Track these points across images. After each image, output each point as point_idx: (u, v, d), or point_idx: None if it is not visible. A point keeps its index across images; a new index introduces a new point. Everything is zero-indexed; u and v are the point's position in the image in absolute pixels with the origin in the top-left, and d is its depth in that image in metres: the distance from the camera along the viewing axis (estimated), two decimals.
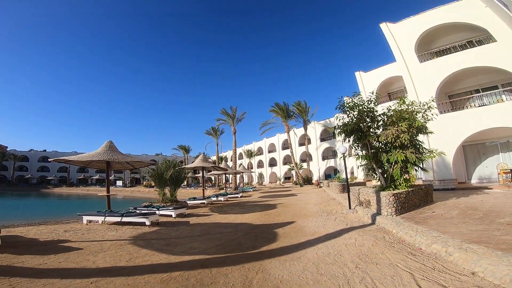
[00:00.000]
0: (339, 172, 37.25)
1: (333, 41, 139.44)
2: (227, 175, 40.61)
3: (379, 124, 7.78)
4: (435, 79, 14.70)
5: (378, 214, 7.16)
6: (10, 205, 24.96)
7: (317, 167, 38.40)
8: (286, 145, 47.53)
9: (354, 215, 8.28)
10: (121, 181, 59.42)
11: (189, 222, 8.64)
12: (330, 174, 40.92)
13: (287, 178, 48.79)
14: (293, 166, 35.02)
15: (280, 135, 50.25)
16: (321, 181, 28.64)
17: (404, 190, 7.10)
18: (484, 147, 14.84)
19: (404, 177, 7.43)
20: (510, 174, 12.49)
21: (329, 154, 41.32)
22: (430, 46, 16.86)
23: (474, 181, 14.81)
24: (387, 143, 7.76)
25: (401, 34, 16.94)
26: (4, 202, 27.51)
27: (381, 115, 8.16)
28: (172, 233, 6.84)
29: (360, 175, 28.65)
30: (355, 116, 8.26)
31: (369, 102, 8.03)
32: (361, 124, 7.95)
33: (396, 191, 6.85)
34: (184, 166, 16.21)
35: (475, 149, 14.83)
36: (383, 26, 17.97)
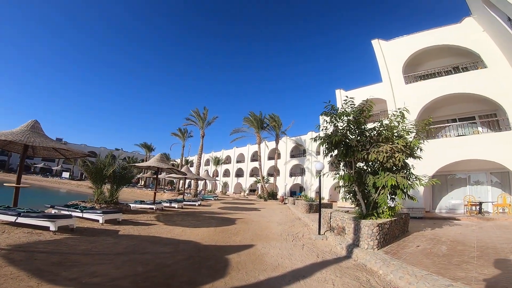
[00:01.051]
0: (304, 190, 36.65)
1: (316, 58, 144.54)
2: (190, 180, 38.01)
3: (368, 139, 6.64)
4: (418, 103, 14.11)
5: (355, 246, 5.86)
6: None
7: (284, 183, 37.48)
8: (255, 157, 46.28)
9: (324, 243, 6.93)
10: (68, 173, 53.15)
11: (118, 232, 6.62)
12: (296, 191, 40.25)
13: (252, 190, 47.22)
14: (260, 179, 33.65)
15: (250, 146, 48.96)
16: (286, 197, 27.49)
17: (388, 219, 5.92)
18: (453, 178, 14.77)
19: (389, 205, 6.28)
20: (477, 207, 12.44)
21: (297, 171, 40.75)
22: (417, 69, 16.50)
23: (438, 211, 14.63)
24: (374, 164, 6.66)
25: (391, 52, 16.35)
26: None
27: (372, 129, 7.04)
28: (80, 246, 4.85)
29: (326, 196, 28.03)
30: (343, 126, 7.05)
31: (361, 112, 6.84)
32: (349, 137, 6.71)
33: (381, 221, 5.64)
34: (134, 164, 13.94)
35: (443, 179, 14.64)
36: (375, 42, 17.33)
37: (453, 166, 13.32)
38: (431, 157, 12.77)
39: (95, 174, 10.33)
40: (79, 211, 7.92)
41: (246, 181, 47.28)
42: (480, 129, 13.95)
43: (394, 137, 6.52)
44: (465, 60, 14.48)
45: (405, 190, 6.15)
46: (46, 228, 5.70)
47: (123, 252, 4.73)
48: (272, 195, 30.74)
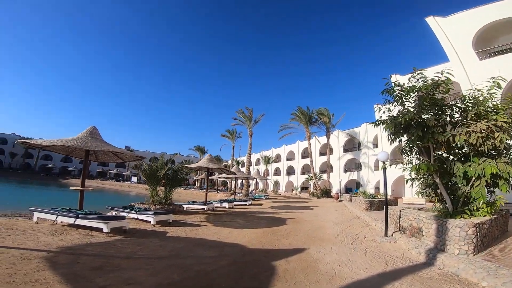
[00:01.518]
0: (361, 186, 33.88)
1: (365, 46, 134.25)
2: (242, 180, 38.65)
3: (449, 119, 5.19)
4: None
5: (439, 251, 4.66)
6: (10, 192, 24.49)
7: (338, 179, 35.23)
8: (305, 153, 44.77)
9: (393, 246, 5.77)
10: (136, 177, 59.36)
11: (166, 234, 6.55)
12: (352, 187, 37.56)
13: (304, 188, 45.76)
14: (312, 176, 32.23)
15: (300, 143, 47.54)
16: (341, 194, 25.63)
17: (486, 218, 4.53)
18: None
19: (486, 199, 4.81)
20: None
21: (352, 166, 37.99)
22: (490, 44, 14.31)
23: None
24: (461, 148, 5.22)
25: (454, 29, 14.57)
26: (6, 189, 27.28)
27: (452, 106, 5.50)
28: (127, 249, 4.77)
29: (388, 191, 25.08)
30: (413, 105, 5.69)
31: (436, 87, 5.35)
32: (423, 116, 5.33)
33: (478, 220, 4.32)
34: (186, 166, 14.35)
35: None
36: (430, 20, 15.49)
37: None
38: None
39: (149, 176, 10.80)
40: (134, 212, 8.21)
41: (298, 179, 46.05)
42: None
43: (489, 112, 4.97)
44: None
45: (510, 181, 4.64)
46: (100, 230, 5.88)
47: (166, 256, 4.48)
48: (326, 193, 29.07)
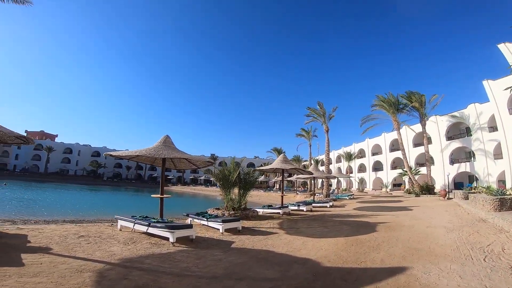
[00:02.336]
0: (477, 179, 26.82)
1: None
2: (322, 180, 36.42)
3: None
4: None
5: None
6: (121, 198, 29.33)
7: (442, 173, 28.93)
8: (395, 146, 38.98)
9: None
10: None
11: (231, 244, 5.96)
12: (463, 182, 30.33)
13: (397, 185, 39.73)
14: (406, 171, 27.45)
15: (386, 134, 41.72)
16: (450, 190, 20.60)
17: None
18: None
19: None
20: None
21: (460, 156, 30.69)
22: None
23: None
24: None
25: None
26: (115, 196, 32.83)
27: None
28: (183, 263, 4.31)
29: None
30: None
31: None
32: None
33: None
34: (258, 168, 13.96)
35: None
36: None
37: None
38: None
39: (222, 180, 10.75)
40: (205, 219, 8.06)
41: (387, 175, 40.36)
42: None
43: None
44: None
45: None
46: (168, 239, 5.75)
47: (219, 275, 3.79)
48: (427, 189, 24.03)
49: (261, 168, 13.67)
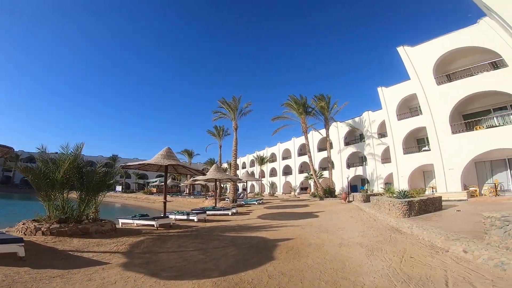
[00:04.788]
0: (368, 182, 29.62)
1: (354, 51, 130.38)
2: (240, 184, 34.16)
3: None
4: (450, 101, 15.34)
5: None
6: None
7: (341, 176, 30.96)
8: (302, 150, 40.51)
9: None
10: (120, 186, 54.40)
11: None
12: (357, 184, 33.28)
13: (304, 188, 41.39)
14: (311, 175, 27.91)
15: (296, 139, 43.25)
16: (350, 193, 21.20)
17: None
18: None
19: None
20: None
21: (355, 160, 33.74)
22: (447, 68, 16.99)
23: None
24: None
25: (418, 57, 17.24)
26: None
27: None
28: None
29: (404, 184, 20.44)
30: None
31: None
32: None
33: None
34: (130, 164, 9.93)
35: None
36: (401, 50, 18.05)
37: None
38: None
39: (38, 178, 6.36)
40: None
41: (296, 179, 41.63)
42: None
43: None
44: (492, 57, 14.33)
45: None
46: None
47: None
48: (329, 192, 24.71)
49: (129, 164, 9.70)
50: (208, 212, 13.17)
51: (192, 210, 13.23)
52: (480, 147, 13.90)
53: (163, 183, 46.71)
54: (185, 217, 10.64)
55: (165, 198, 9.79)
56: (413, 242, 5.16)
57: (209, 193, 43.77)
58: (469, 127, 15.41)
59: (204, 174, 11.32)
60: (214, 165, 13.94)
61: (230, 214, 13.17)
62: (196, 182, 29.80)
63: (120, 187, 53.88)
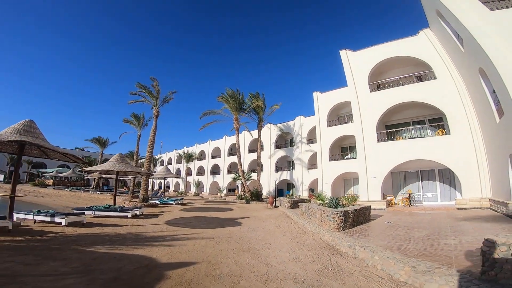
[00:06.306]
0: (294, 187, 29.83)
1: (292, 63, 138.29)
2: (152, 179, 29.72)
3: None
4: (378, 109, 15.69)
5: None
6: None
7: (269, 180, 30.43)
8: (233, 150, 38.78)
9: None
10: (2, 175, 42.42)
11: None
12: (283, 189, 33.33)
13: (231, 190, 39.71)
14: (239, 175, 26.32)
15: (227, 138, 41.36)
16: (276, 197, 20.25)
17: None
18: None
19: None
20: None
21: (283, 165, 33.83)
22: (381, 77, 17.54)
23: None
24: None
25: (358, 62, 17.46)
26: None
27: None
28: None
29: (328, 191, 20.67)
30: None
31: None
32: None
33: None
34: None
35: None
36: (343, 53, 18.23)
37: None
38: None
39: None
40: None
41: (224, 179, 39.61)
42: (429, 131, 15.32)
43: None
44: (423, 69, 15.28)
45: None
46: None
47: None
48: (256, 195, 23.53)
49: None
50: (98, 213, 10.01)
51: (74, 209, 9.71)
52: (400, 157, 14.39)
53: (61, 173, 38.67)
54: (48, 218, 7.24)
55: (13, 191, 6.34)
56: (364, 273, 3.65)
57: (124, 189, 37.78)
58: (391, 137, 15.99)
59: (87, 164, 7.29)
60: (116, 155, 11.53)
61: (129, 216, 10.10)
62: (93, 175, 24.43)
63: (2, 176, 42.09)
